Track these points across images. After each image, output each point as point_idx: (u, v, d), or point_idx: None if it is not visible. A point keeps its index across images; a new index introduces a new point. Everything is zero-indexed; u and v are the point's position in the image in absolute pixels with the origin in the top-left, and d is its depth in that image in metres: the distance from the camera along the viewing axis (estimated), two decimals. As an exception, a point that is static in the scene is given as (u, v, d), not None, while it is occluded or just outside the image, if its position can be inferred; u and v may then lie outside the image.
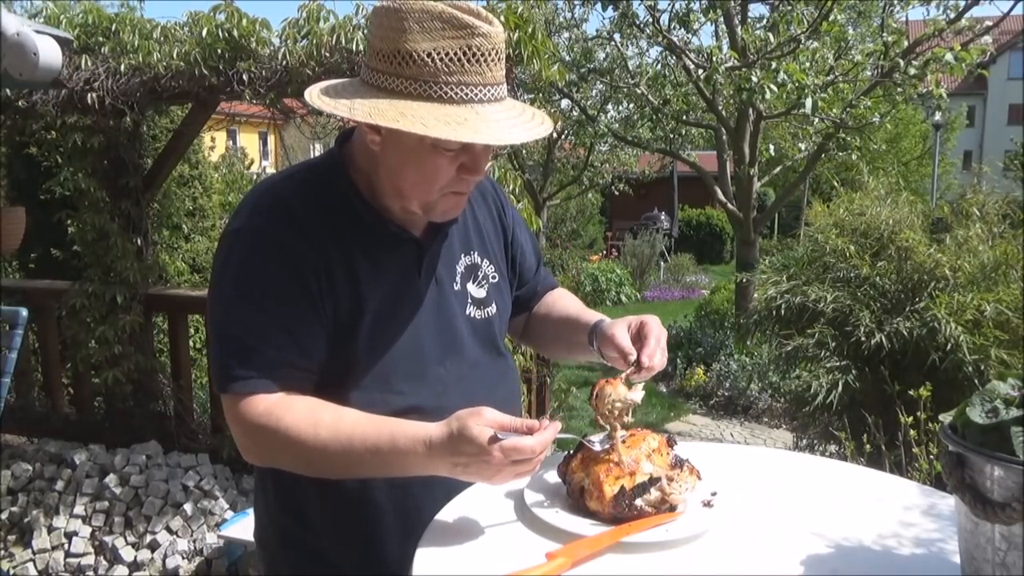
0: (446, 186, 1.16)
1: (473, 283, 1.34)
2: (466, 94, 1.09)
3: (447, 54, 1.08)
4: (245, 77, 3.03)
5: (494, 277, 1.37)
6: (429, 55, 1.07)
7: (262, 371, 1.13)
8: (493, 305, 1.36)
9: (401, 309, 1.23)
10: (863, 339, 3.44)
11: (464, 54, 1.08)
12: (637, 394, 1.19)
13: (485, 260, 1.36)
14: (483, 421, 1.03)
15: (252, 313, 1.15)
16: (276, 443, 1.13)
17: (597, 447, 1.17)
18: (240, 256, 1.18)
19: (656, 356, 1.23)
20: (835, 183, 6.22)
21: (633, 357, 1.23)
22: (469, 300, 1.32)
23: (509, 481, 1.07)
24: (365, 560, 1.26)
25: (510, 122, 1.13)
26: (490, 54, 1.10)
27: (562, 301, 1.52)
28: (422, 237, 1.26)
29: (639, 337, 1.26)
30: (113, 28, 3.30)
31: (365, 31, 2.93)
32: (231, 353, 1.15)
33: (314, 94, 1.16)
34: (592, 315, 1.41)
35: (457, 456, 1.04)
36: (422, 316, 1.25)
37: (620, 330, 1.28)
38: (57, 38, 2.96)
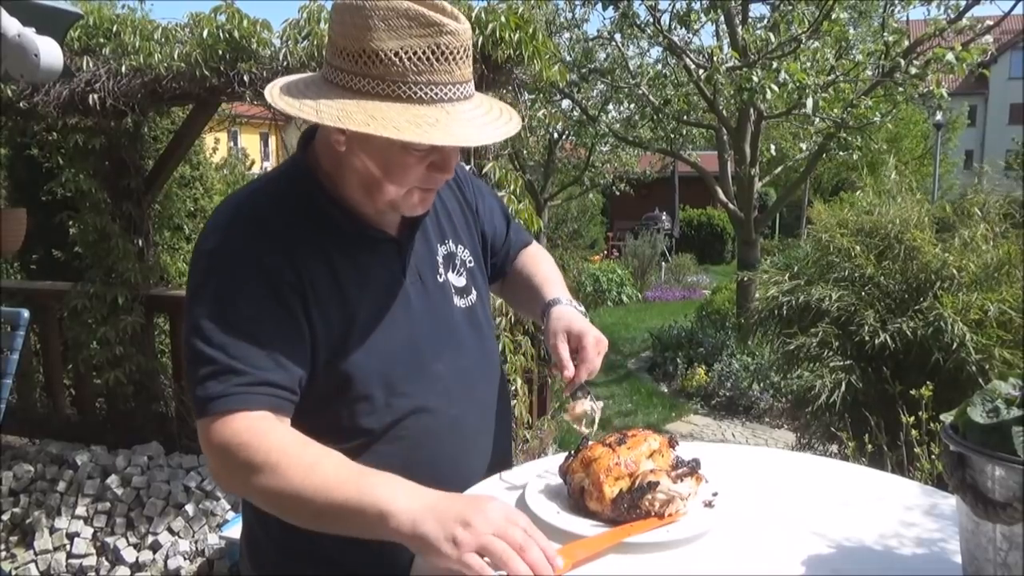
0: (414, 184, 1.14)
1: (453, 272, 1.33)
2: (436, 93, 1.06)
3: (415, 53, 1.04)
4: (246, 78, 3.03)
5: (470, 262, 1.37)
6: (396, 54, 1.04)
7: (240, 390, 1.06)
8: (473, 291, 1.35)
9: (392, 311, 1.21)
10: (867, 339, 3.43)
11: (432, 53, 1.05)
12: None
13: (459, 246, 1.36)
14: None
15: (230, 335, 1.08)
16: (253, 462, 1.03)
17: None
18: (216, 279, 1.11)
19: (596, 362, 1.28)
20: (860, 172, 6.24)
21: (569, 374, 1.26)
22: (453, 290, 1.31)
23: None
24: (348, 562, 1.23)
25: (481, 120, 1.11)
26: (458, 52, 1.07)
27: (531, 264, 1.52)
28: (398, 235, 1.25)
29: (576, 352, 1.29)
30: (114, 29, 3.31)
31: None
32: (208, 376, 1.07)
33: (275, 93, 1.11)
34: (549, 291, 1.42)
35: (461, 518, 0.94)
36: (413, 315, 1.23)
37: (561, 342, 1.29)
38: (62, 11, 2.92)
